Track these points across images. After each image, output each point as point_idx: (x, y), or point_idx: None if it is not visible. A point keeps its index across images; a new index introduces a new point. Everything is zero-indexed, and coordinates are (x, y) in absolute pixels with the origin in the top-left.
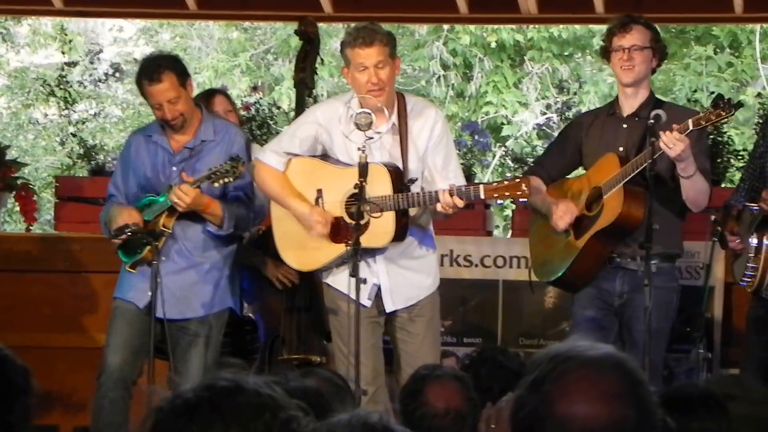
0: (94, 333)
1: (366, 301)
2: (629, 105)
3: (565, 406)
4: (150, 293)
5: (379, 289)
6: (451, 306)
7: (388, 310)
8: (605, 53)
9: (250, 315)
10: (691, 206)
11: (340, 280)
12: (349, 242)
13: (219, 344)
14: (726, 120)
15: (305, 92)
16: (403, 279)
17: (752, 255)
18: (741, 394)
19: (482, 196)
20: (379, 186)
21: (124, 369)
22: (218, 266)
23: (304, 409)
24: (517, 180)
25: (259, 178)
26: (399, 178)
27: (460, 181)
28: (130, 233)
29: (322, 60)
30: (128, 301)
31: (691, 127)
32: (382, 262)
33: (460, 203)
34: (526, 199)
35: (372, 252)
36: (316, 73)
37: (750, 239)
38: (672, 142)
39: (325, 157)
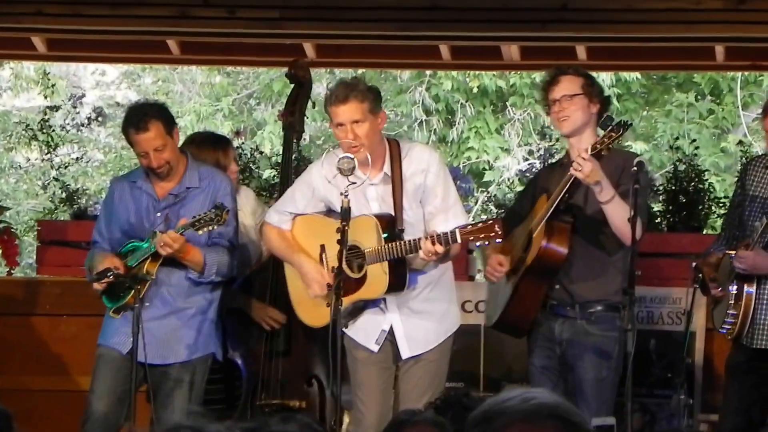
0: (75, 376)
1: (373, 345)
2: (575, 153)
3: None
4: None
5: (392, 334)
6: None
7: (404, 357)
8: (547, 111)
9: (236, 359)
10: (621, 237)
11: (352, 327)
12: (348, 294)
13: (202, 390)
14: (617, 139)
15: (293, 136)
16: (417, 324)
17: (732, 302)
18: None
19: (459, 240)
20: (366, 238)
21: (109, 416)
22: (202, 311)
23: None
24: (489, 222)
25: (266, 239)
26: (390, 227)
27: (461, 220)
28: (111, 276)
29: (314, 103)
30: (112, 348)
31: (589, 152)
32: (395, 308)
33: (441, 249)
34: (500, 240)
35: (383, 298)
36: (307, 117)
37: (730, 286)
38: (579, 164)
39: (330, 212)
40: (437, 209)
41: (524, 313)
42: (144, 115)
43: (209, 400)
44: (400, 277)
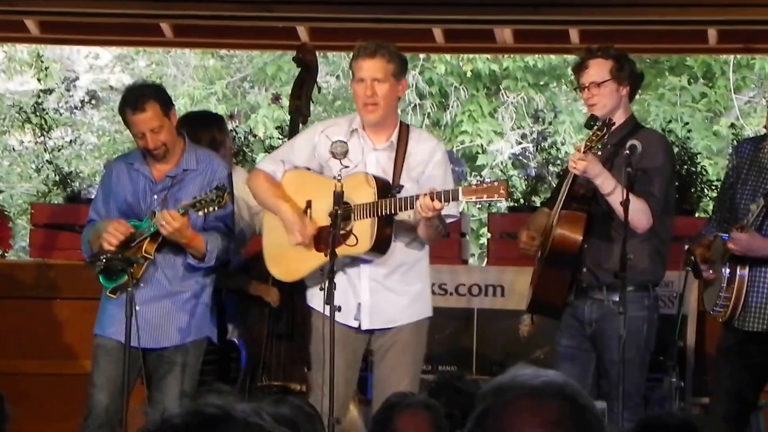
0: (69, 360)
1: (352, 321)
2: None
3: None
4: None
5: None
6: None
7: (363, 327)
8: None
9: (234, 340)
10: (631, 226)
11: (319, 300)
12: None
13: (197, 373)
14: (603, 138)
15: (299, 119)
16: (385, 299)
17: (725, 285)
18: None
19: (461, 197)
20: (359, 194)
21: (111, 408)
22: (196, 294)
23: None
24: (495, 183)
25: (253, 184)
26: (385, 189)
27: (453, 210)
28: (105, 259)
29: (319, 88)
30: (109, 338)
31: (582, 150)
32: (366, 281)
33: (439, 206)
34: (502, 200)
35: (357, 271)
36: (313, 101)
37: (723, 269)
38: (574, 161)
39: (322, 171)
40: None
41: (553, 296)
42: (141, 96)
43: (203, 381)
44: (386, 239)
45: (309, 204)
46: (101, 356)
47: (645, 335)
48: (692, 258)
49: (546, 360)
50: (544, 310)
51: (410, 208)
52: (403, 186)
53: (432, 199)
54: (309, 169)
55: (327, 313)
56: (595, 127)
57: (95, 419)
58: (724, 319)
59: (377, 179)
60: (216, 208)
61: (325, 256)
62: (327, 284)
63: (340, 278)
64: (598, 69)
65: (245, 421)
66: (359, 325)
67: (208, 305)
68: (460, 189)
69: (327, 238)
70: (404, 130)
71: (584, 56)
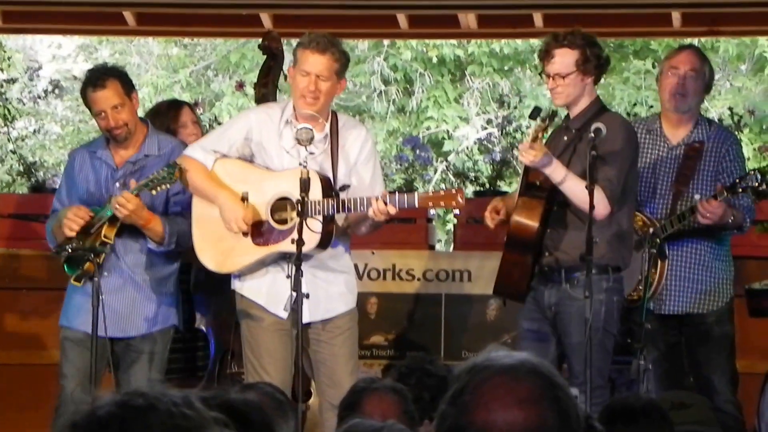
0: (35, 350)
1: (282, 312)
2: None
3: (483, 414)
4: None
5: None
6: (393, 320)
7: (304, 321)
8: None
9: (203, 327)
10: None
11: (253, 290)
12: (269, 244)
13: (164, 362)
14: (546, 129)
15: None
16: (324, 291)
17: (647, 268)
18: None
19: (416, 204)
20: (311, 191)
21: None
22: (161, 283)
23: (225, 422)
24: (453, 191)
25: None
26: (328, 186)
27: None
28: (71, 249)
29: (285, 76)
30: (76, 330)
31: (529, 140)
32: (304, 273)
33: (393, 210)
34: (459, 211)
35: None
36: (279, 89)
37: (642, 254)
38: (522, 152)
39: (252, 161)
40: (366, 183)
41: (515, 281)
42: (102, 74)
43: (170, 369)
44: (329, 235)
45: (246, 195)
46: (69, 348)
47: (604, 318)
48: (657, 240)
49: (513, 344)
50: (507, 294)
51: (363, 209)
52: (349, 186)
53: (386, 204)
54: (239, 159)
55: (258, 299)
56: (538, 120)
57: (68, 407)
58: (634, 305)
59: (321, 176)
60: (169, 185)
61: (259, 246)
62: (294, 271)
63: (277, 270)
64: (564, 60)
65: (169, 411)
66: (298, 318)
67: (174, 294)
68: (416, 195)
69: (266, 233)
70: (333, 119)
71: (550, 44)
